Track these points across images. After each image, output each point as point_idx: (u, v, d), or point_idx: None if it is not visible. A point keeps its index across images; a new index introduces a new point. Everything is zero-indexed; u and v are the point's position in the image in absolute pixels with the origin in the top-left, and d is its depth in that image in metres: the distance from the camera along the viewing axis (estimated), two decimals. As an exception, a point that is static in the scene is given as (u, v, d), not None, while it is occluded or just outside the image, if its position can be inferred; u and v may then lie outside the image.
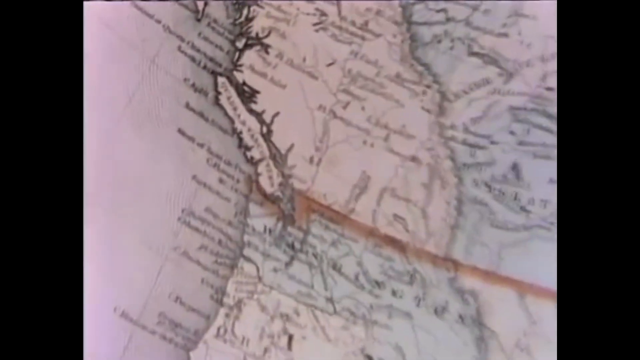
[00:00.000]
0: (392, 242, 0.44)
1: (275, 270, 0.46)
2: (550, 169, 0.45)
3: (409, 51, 0.50)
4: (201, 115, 0.48)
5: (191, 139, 0.48)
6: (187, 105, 0.48)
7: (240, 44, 0.50)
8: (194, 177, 0.48)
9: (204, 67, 0.49)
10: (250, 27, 0.50)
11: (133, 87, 0.46)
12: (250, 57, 0.50)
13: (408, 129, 0.50)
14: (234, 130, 0.49)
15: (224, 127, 0.49)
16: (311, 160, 0.49)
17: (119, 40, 0.45)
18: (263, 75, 0.50)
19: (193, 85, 0.48)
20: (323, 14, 0.50)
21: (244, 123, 0.49)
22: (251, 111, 0.49)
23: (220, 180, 0.48)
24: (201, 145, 0.48)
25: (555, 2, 0.36)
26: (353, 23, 0.51)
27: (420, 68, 0.49)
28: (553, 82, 0.47)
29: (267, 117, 0.49)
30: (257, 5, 0.50)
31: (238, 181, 0.48)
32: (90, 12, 0.48)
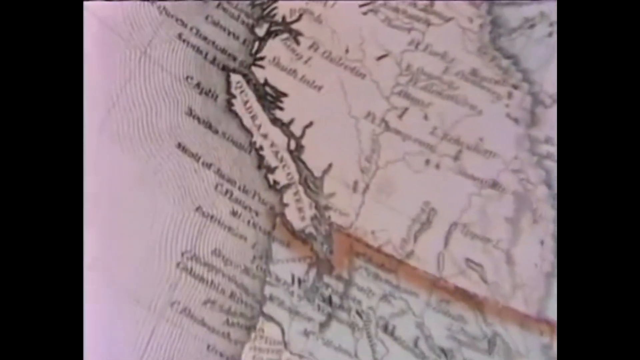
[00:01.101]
0: (464, 296, 0.34)
1: (306, 333, 0.36)
2: None
3: (489, 40, 0.40)
4: (208, 125, 0.37)
5: (195, 156, 0.37)
6: (190, 112, 0.37)
7: (261, 31, 0.38)
8: (198, 208, 0.37)
9: (213, 62, 0.38)
10: (274, 9, 0.39)
11: (117, 87, 0.37)
12: (275, 48, 0.38)
13: (487, 144, 0.40)
14: (252, 145, 0.38)
15: (238, 141, 0.38)
16: (355, 186, 0.38)
17: (99, 24, 0.33)
18: (292, 72, 0.38)
19: (198, 85, 0.37)
20: None
21: (265, 136, 0.38)
22: (275, 120, 0.38)
23: (234, 213, 0.37)
24: (208, 166, 0.37)
25: (555, 2, 0.37)
26: (413, 3, 0.39)
27: (505, 62, 0.39)
28: None
29: (296, 129, 0.38)
30: (285, -22, 0.35)
31: (257, 214, 0.37)
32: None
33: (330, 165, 0.38)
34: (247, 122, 0.38)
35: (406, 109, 0.39)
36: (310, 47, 0.38)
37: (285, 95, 0.38)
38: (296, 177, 0.38)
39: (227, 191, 0.37)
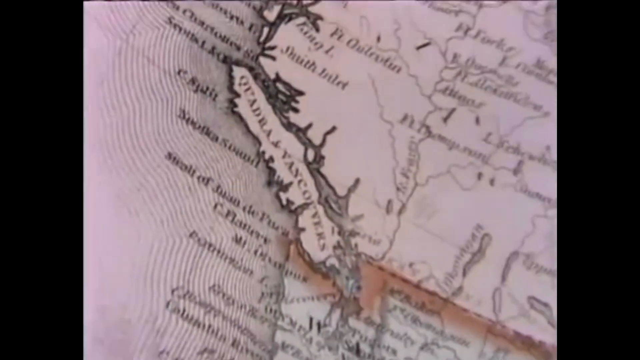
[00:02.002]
0: (527, 345, 0.27)
1: (328, 390, 0.28)
2: None
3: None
4: (206, 131, 0.30)
5: (189, 169, 0.30)
6: (183, 115, 0.30)
7: (271, 15, 0.30)
8: (192, 234, 0.30)
9: (212, 52, 0.30)
10: (289, -14, 0.30)
11: (93, 84, 0.30)
12: (289, 35, 0.30)
13: (555, 154, 0.33)
14: (260, 156, 0.30)
15: (243, 151, 0.30)
16: (389, 206, 0.30)
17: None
18: (310, 65, 0.30)
19: (193, 81, 0.30)
20: None
21: (276, 145, 0.31)
22: (289, 125, 0.30)
23: (237, 240, 0.30)
24: (205, 181, 0.30)
25: (555, 2, 0.33)
26: (462, -21, 0.29)
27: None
28: None
29: (315, 136, 0.30)
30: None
31: (266, 241, 0.30)
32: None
33: (357, 181, 0.30)
34: (253, 127, 0.30)
35: (453, 110, 0.31)
36: (333, 34, 0.30)
37: (301, 93, 0.30)
38: (315, 195, 0.30)
39: (228, 213, 0.30)
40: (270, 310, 0.29)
